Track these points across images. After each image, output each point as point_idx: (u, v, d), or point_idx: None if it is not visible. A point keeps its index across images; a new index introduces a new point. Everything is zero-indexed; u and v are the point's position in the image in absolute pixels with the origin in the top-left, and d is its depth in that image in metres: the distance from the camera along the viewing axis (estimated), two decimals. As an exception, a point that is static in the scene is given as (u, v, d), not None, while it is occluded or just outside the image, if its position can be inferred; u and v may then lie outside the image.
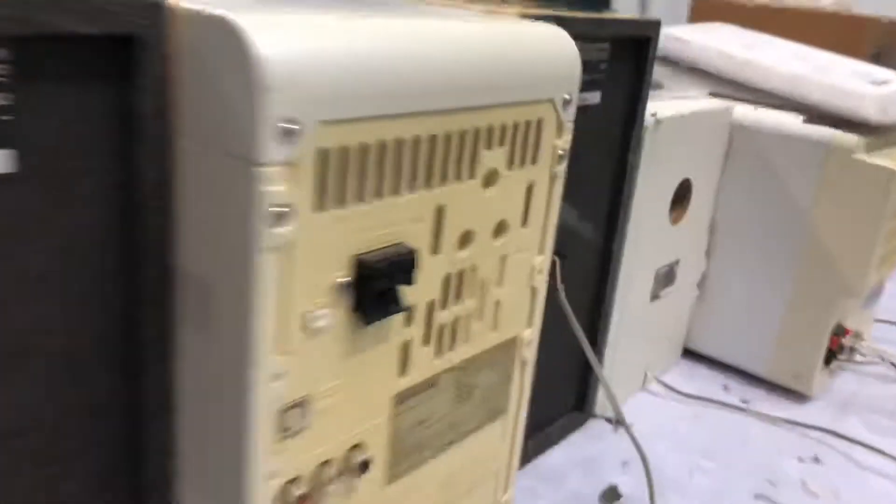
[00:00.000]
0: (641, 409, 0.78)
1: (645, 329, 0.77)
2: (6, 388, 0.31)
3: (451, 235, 0.41)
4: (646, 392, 0.81)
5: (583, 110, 0.57)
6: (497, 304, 0.47)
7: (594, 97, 0.59)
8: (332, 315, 0.36)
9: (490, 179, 0.43)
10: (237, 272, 0.33)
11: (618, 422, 0.74)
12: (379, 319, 0.38)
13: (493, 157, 0.42)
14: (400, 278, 0.38)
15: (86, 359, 0.34)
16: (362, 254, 0.36)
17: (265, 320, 0.33)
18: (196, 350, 0.36)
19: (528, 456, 0.68)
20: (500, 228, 0.45)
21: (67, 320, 0.33)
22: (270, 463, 0.36)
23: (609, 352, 0.72)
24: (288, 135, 0.31)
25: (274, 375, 0.35)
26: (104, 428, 0.36)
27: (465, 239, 0.43)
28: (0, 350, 0.31)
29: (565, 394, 0.72)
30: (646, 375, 0.81)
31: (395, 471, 0.44)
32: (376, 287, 0.36)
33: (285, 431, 0.37)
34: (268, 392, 0.35)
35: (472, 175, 0.41)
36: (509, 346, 0.50)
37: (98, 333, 0.34)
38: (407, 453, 0.45)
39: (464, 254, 0.43)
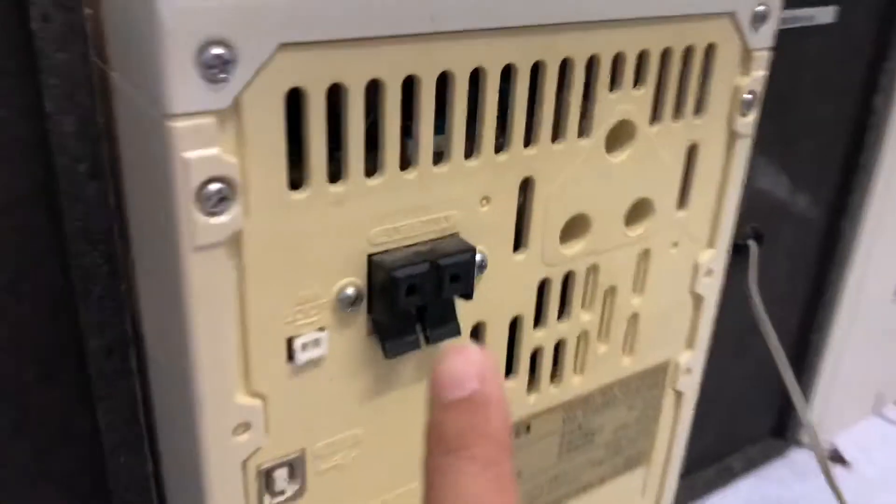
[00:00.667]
0: (870, 442, 0.61)
1: (884, 336, 0.60)
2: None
3: (547, 222, 0.27)
4: (880, 418, 0.63)
5: (803, 34, 0.41)
6: (634, 318, 0.32)
7: (824, 14, 0.41)
8: (332, 340, 0.24)
9: (619, 138, 0.28)
10: (169, 277, 0.22)
11: (830, 458, 0.56)
12: (404, 351, 0.25)
13: (622, 104, 0.27)
14: (449, 288, 0.25)
15: (22, 377, 0.25)
16: (379, 253, 0.24)
17: (218, 347, 0.22)
18: (158, 375, 0.26)
19: (693, 495, 0.52)
20: (637, 212, 0.30)
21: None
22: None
23: (828, 364, 0.56)
24: (220, 67, 0.19)
25: (240, 425, 0.24)
26: (60, 459, 0.27)
27: (576, 227, 0.28)
28: None
29: (759, 414, 0.56)
30: (881, 396, 0.62)
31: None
32: (401, 302, 0.23)
33: (276, 496, 0.26)
34: (231, 446, 0.24)
35: (584, 132, 0.27)
36: (656, 375, 0.35)
37: (31, 349, 0.25)
38: (486, 515, 0.32)
39: (573, 249, 0.29)
